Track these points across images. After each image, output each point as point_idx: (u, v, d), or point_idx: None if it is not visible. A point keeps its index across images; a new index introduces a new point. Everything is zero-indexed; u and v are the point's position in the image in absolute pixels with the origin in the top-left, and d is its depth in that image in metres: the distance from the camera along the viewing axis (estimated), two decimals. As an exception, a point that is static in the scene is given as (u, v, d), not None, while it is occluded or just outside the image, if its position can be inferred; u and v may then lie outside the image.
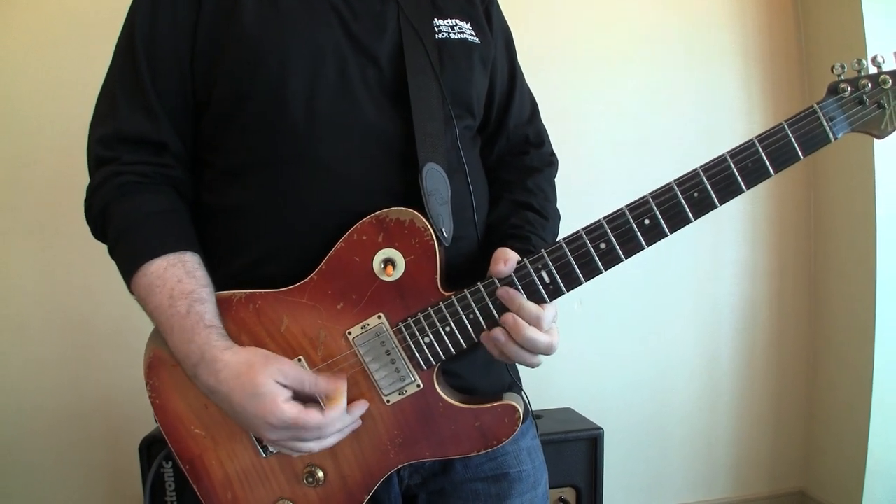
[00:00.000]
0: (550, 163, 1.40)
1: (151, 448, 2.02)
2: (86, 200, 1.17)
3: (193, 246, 1.13)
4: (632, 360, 3.02)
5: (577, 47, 2.91)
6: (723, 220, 3.03)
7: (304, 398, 1.05)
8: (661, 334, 3.05)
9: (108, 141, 1.14)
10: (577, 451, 2.39)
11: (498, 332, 1.08)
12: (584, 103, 2.91)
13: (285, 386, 1.04)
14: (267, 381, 1.02)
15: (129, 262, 1.10)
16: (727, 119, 3.03)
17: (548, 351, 1.10)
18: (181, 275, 1.08)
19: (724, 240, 3.07)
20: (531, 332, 1.07)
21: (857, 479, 2.81)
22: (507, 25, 1.41)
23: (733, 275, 3.10)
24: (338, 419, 1.05)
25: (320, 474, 1.13)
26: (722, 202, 1.05)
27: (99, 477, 2.64)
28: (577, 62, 2.90)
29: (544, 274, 1.08)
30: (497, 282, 1.09)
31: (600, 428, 2.41)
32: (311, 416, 1.03)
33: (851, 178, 2.86)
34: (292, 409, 1.02)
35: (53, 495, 2.62)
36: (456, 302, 1.09)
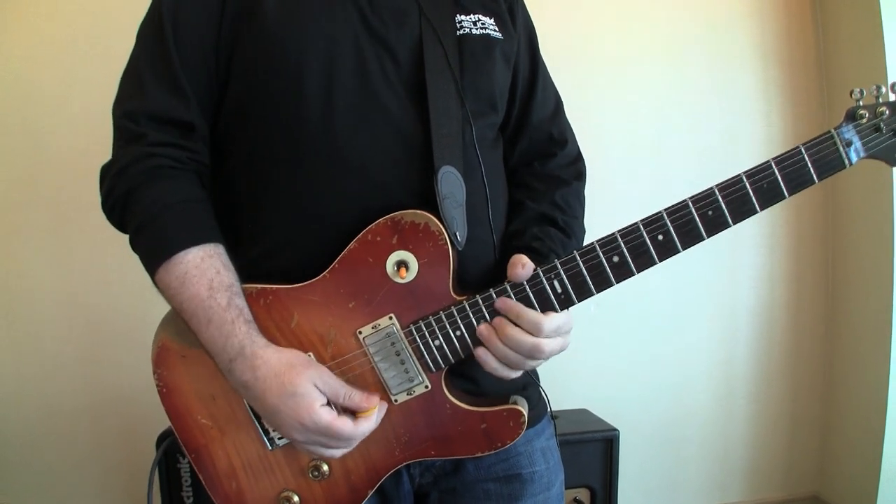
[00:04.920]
0: (579, 173, 1.36)
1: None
2: (107, 180, 1.12)
3: (222, 239, 1.12)
4: (648, 362, 3.01)
5: (595, 48, 2.89)
6: (741, 224, 2.96)
7: (336, 408, 1.07)
8: (677, 337, 3.03)
9: (135, 117, 1.11)
10: (593, 452, 2.39)
11: (482, 328, 1.09)
12: (602, 105, 2.89)
13: (322, 392, 1.05)
14: (306, 383, 1.03)
15: (161, 249, 1.07)
16: (745, 121, 3.00)
17: (533, 354, 1.08)
18: (219, 266, 1.07)
19: (742, 244, 3.04)
20: (515, 332, 1.07)
21: (872, 484, 2.79)
22: (531, 23, 1.39)
23: (751, 279, 3.08)
24: (367, 432, 1.07)
25: (325, 468, 1.14)
26: (735, 222, 1.06)
27: (116, 476, 2.67)
28: (594, 63, 2.88)
29: (556, 283, 1.09)
30: (508, 288, 1.09)
31: (616, 429, 2.41)
32: (344, 424, 1.04)
33: (869, 182, 2.83)
34: (327, 415, 1.03)
35: (71, 494, 2.66)
36: (467, 306, 1.09)
